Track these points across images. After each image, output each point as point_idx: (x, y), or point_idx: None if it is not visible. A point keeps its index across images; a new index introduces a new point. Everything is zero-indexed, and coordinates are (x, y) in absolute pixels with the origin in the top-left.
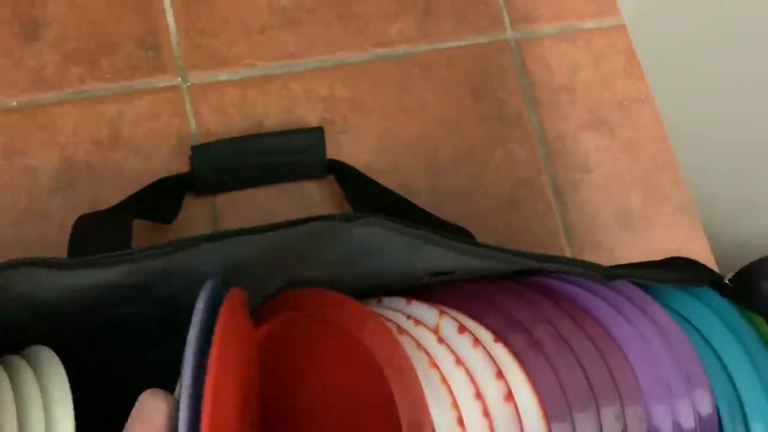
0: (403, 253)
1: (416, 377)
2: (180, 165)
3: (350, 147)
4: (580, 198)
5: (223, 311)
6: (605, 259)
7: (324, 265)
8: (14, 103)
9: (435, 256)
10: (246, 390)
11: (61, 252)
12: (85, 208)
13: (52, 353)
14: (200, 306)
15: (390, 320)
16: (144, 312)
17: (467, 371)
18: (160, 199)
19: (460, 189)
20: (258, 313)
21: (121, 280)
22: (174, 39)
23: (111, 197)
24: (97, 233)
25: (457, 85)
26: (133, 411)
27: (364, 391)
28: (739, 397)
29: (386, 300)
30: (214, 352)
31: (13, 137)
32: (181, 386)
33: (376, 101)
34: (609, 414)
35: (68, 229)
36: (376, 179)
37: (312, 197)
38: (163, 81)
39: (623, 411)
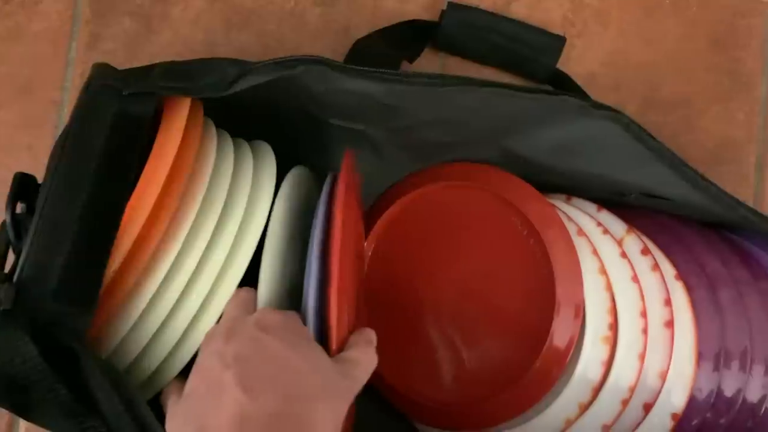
0: (627, 162)
1: (578, 264)
2: (428, 18)
3: (581, 52)
4: None
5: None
6: None
7: (539, 147)
8: None
9: (659, 175)
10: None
11: None
12: (338, 28)
13: (270, 150)
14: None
15: (572, 220)
16: (368, 135)
17: (640, 289)
18: (407, 37)
19: (668, 128)
20: (414, 178)
21: (381, 96)
22: None
23: (362, 25)
24: (370, 57)
25: (700, 29)
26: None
27: (517, 268)
28: None
29: (576, 200)
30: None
31: None
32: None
33: (619, 18)
34: (758, 376)
35: (319, 40)
36: (592, 93)
37: None
38: None
39: None
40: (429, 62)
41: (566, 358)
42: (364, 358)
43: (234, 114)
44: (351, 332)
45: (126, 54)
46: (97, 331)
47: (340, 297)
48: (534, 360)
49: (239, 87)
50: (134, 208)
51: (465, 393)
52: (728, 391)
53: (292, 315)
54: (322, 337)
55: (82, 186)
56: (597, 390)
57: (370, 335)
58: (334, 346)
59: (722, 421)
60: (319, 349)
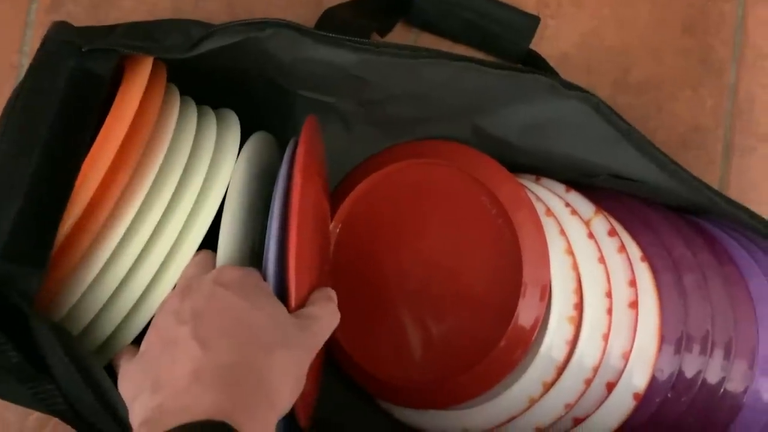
0: (598, 143)
1: (546, 246)
2: None
3: (554, 32)
4: (747, 163)
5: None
6: None
7: (510, 127)
8: None
9: (628, 157)
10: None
11: None
12: None
13: (235, 116)
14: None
15: (541, 200)
16: (338, 109)
17: (606, 270)
18: (380, 9)
19: (638, 112)
20: (387, 154)
21: (351, 67)
22: None
23: None
24: (340, 26)
25: (673, 13)
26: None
27: (485, 247)
28: None
29: (545, 180)
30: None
31: None
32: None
33: (593, 0)
34: (717, 359)
35: (289, 11)
36: (564, 74)
37: None
38: None
39: (732, 363)
40: (402, 39)
41: (531, 338)
42: (324, 313)
43: (200, 85)
44: (311, 291)
45: (88, 18)
46: (50, 294)
47: (299, 254)
48: (499, 339)
49: (204, 48)
50: (90, 168)
51: (431, 371)
52: (689, 373)
53: (252, 271)
54: (282, 294)
55: (34, 142)
56: (561, 369)
57: (331, 293)
58: (293, 302)
59: (683, 400)
60: (278, 304)
